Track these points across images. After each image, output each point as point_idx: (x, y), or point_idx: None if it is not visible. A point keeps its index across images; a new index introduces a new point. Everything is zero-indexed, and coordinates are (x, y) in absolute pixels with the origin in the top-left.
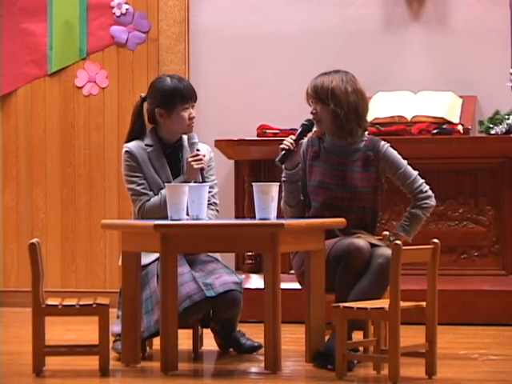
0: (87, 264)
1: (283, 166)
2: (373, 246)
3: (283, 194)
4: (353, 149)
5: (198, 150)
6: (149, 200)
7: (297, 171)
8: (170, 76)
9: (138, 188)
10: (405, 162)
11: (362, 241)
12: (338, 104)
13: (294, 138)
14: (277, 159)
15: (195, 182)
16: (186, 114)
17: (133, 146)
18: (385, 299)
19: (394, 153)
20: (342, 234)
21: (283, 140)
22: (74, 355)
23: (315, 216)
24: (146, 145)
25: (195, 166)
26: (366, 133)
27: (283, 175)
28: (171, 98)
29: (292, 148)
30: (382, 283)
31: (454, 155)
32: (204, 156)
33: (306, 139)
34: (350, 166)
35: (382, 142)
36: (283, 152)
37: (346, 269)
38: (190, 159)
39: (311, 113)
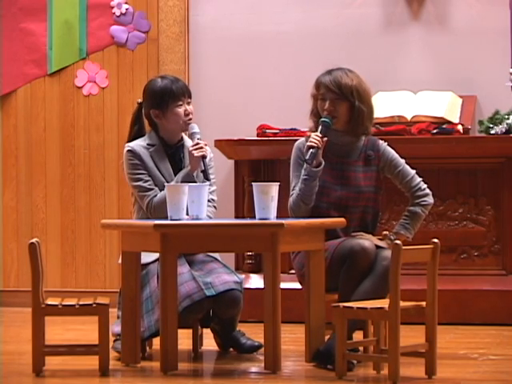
0: (87, 264)
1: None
2: (377, 247)
3: (299, 192)
4: (353, 148)
5: (199, 139)
6: (156, 196)
7: (320, 170)
8: (161, 76)
9: (144, 184)
10: (403, 161)
11: (367, 241)
12: (362, 102)
13: (319, 135)
14: (306, 157)
15: (202, 171)
16: (180, 111)
17: (135, 144)
18: (385, 299)
19: (393, 151)
20: (344, 234)
21: (283, 140)
22: (74, 355)
23: (320, 215)
24: (148, 144)
25: (196, 154)
26: None
27: (306, 173)
28: (162, 97)
29: (320, 146)
30: (385, 286)
31: (454, 155)
32: (206, 145)
33: (303, 139)
34: (352, 165)
35: (381, 141)
36: (312, 150)
37: (351, 269)
38: (190, 148)
39: (327, 109)
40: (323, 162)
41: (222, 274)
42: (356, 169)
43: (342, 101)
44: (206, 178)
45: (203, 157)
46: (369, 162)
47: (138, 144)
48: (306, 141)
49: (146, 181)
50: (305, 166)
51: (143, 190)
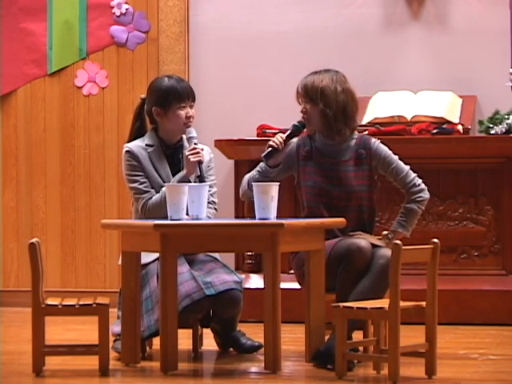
0: (87, 264)
1: (266, 162)
2: (374, 246)
3: (248, 178)
4: (344, 148)
5: (196, 143)
6: (151, 198)
7: (275, 170)
8: (168, 76)
9: (140, 186)
10: (396, 158)
11: (363, 241)
12: (326, 104)
13: (283, 137)
14: (262, 154)
15: (197, 177)
16: (182, 113)
17: (133, 145)
18: (385, 299)
19: (385, 149)
20: (342, 233)
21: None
22: (74, 355)
23: (313, 215)
24: (146, 145)
25: (192, 159)
26: (356, 132)
27: (261, 166)
28: (166, 97)
29: (280, 147)
30: (382, 284)
31: (454, 155)
32: (202, 150)
33: (296, 139)
34: (342, 165)
35: (373, 139)
36: (270, 149)
37: (347, 269)
38: (187, 153)
39: (301, 111)
40: (281, 166)
41: (222, 274)
42: (347, 168)
43: (309, 103)
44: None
45: (199, 162)
46: (360, 161)
47: (137, 145)
48: (304, 140)
49: (142, 183)
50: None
51: (139, 192)
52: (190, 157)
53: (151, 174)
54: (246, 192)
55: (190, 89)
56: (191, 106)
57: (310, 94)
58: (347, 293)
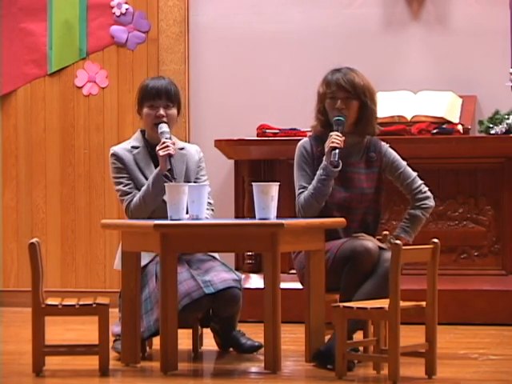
0: (87, 264)
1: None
2: (380, 249)
3: (314, 191)
4: (355, 150)
5: (167, 138)
6: (133, 200)
7: (339, 169)
8: (153, 77)
9: (124, 188)
10: (404, 163)
11: (370, 242)
12: (373, 102)
13: (339, 134)
14: (333, 159)
15: (168, 170)
16: (151, 112)
17: (118, 148)
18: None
19: (394, 153)
20: (345, 234)
21: (283, 140)
22: (74, 355)
23: (324, 216)
24: (132, 147)
25: (161, 153)
26: None
27: (325, 173)
28: (139, 96)
29: (342, 145)
30: (387, 287)
31: (454, 155)
32: (173, 144)
33: (307, 139)
34: (354, 167)
35: (383, 143)
36: (336, 151)
37: (353, 269)
38: (157, 148)
39: (338, 107)
40: (341, 162)
41: (221, 272)
42: (359, 170)
43: (353, 100)
44: (172, 176)
45: (169, 155)
46: (370, 163)
47: (122, 147)
48: (316, 140)
49: (127, 184)
50: (322, 165)
51: (123, 193)
52: (159, 152)
53: (136, 176)
54: (309, 207)
55: (164, 88)
56: (167, 107)
57: (358, 90)
58: (351, 294)
